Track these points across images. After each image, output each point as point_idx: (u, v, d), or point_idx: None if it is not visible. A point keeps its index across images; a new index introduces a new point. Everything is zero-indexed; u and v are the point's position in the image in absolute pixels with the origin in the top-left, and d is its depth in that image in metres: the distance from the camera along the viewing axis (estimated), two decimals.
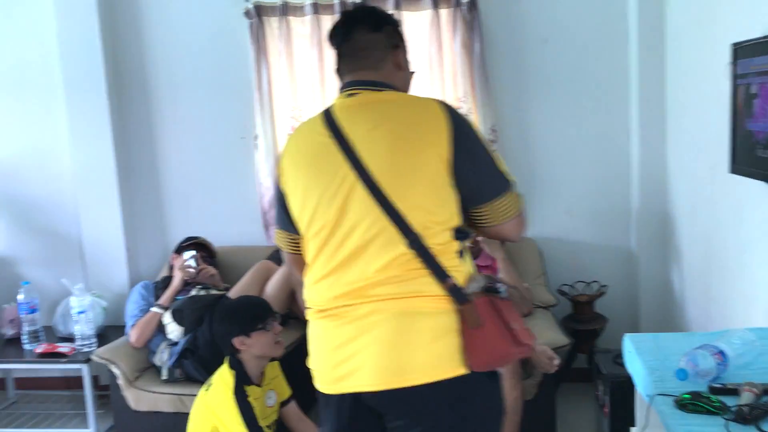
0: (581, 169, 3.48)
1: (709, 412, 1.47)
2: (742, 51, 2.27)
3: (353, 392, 1.48)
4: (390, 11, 3.27)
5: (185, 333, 2.91)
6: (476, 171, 1.49)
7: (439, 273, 1.44)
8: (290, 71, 3.47)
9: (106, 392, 3.30)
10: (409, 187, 1.45)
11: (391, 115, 1.51)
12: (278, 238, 1.69)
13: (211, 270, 3.22)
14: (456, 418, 1.46)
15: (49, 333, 3.48)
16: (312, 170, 1.52)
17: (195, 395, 2.78)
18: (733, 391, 1.54)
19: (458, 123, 1.49)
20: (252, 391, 2.41)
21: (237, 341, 2.42)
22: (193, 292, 3.05)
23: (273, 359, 2.55)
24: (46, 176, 3.71)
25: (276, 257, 3.38)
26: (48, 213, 3.73)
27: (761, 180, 2.16)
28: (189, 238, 3.39)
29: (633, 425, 1.99)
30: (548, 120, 3.45)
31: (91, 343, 3.26)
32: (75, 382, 3.73)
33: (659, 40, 3.23)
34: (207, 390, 2.45)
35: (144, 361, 3.03)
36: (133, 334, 3.01)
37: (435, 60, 3.37)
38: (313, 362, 1.57)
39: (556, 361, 2.58)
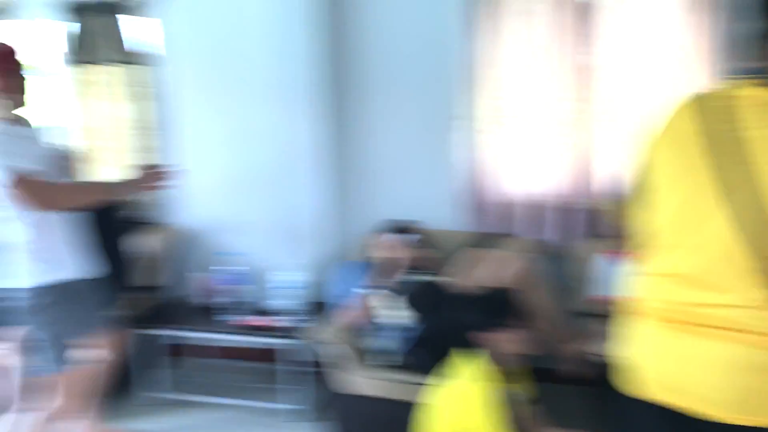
0: None
1: None
2: None
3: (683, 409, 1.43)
4: None
5: (415, 320, 2.84)
6: None
7: None
8: (498, 50, 3.32)
9: (302, 369, 3.33)
10: None
11: None
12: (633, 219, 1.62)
13: (424, 253, 3.14)
14: None
15: (250, 305, 3.49)
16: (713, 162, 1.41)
17: (421, 383, 2.73)
18: None
19: None
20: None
21: (491, 335, 2.33)
22: (418, 277, 2.97)
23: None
24: (260, 148, 3.70)
25: (484, 243, 3.28)
26: (258, 185, 3.74)
27: None
28: (397, 221, 3.33)
29: None
30: None
31: (298, 319, 3.26)
32: (256, 355, 3.77)
33: None
34: (459, 382, 2.37)
35: (358, 343, 2.99)
36: (347, 315, 2.97)
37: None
38: (641, 360, 1.52)
39: None
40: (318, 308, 3.37)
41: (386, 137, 3.61)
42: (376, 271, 3.07)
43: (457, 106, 3.41)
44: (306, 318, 3.25)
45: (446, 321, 2.76)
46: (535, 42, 3.26)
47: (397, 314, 2.88)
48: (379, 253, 3.18)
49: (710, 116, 1.43)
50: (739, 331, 1.35)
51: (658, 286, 1.50)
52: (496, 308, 2.39)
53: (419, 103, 3.53)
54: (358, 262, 3.23)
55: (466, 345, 2.42)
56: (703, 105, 1.46)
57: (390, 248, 3.10)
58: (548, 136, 3.33)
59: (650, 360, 1.49)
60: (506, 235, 3.38)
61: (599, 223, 3.31)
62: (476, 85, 3.36)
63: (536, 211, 3.38)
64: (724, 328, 1.37)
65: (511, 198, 3.43)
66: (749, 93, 1.42)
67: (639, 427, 1.57)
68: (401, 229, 3.25)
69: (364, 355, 2.96)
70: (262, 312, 3.41)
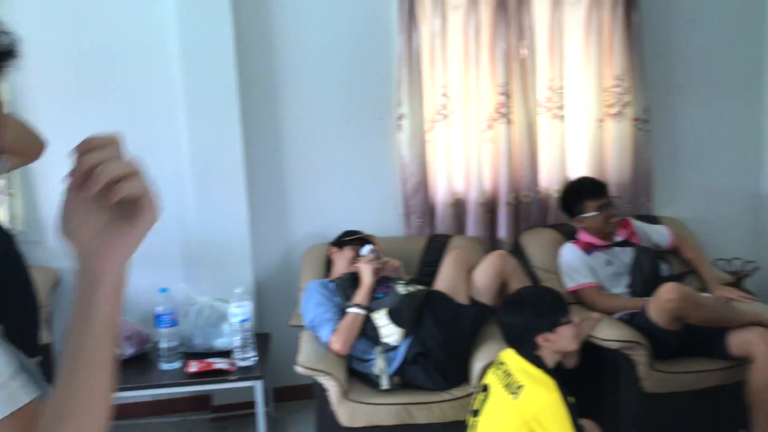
0: (716, 151, 3.54)
1: None
2: None
3: None
4: None
5: (406, 335, 2.57)
6: None
7: None
8: (442, 44, 3.17)
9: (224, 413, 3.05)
10: None
11: None
12: None
13: (395, 262, 2.88)
14: None
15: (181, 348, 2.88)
16: None
17: (423, 403, 2.49)
18: None
19: None
20: None
21: (541, 338, 2.17)
22: (400, 289, 2.70)
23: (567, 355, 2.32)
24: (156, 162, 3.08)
25: (437, 246, 3.11)
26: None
27: None
28: (349, 232, 3.02)
29: None
30: (696, 102, 3.48)
31: (251, 357, 2.78)
32: (187, 404, 3.21)
33: None
34: (515, 396, 2.16)
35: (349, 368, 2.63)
36: (336, 341, 2.59)
37: (593, 38, 3.24)
38: None
39: None
40: (263, 341, 2.97)
41: (312, 141, 3.24)
42: (352, 287, 2.74)
43: (398, 105, 3.18)
44: (252, 354, 2.79)
45: (431, 332, 2.55)
46: (480, 33, 3.16)
47: (393, 332, 2.59)
48: (331, 267, 2.88)
49: None
50: None
51: None
52: (548, 308, 2.24)
53: (350, 103, 3.23)
54: (331, 280, 2.85)
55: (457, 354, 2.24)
56: None
57: (363, 261, 2.79)
58: (488, 132, 3.25)
59: None
60: (458, 236, 3.24)
61: (549, 214, 3.33)
62: (419, 82, 3.16)
63: (485, 208, 3.28)
64: None
65: (457, 197, 3.29)
66: None
67: None
68: (363, 239, 2.96)
69: (353, 383, 2.61)
70: (196, 354, 2.86)
